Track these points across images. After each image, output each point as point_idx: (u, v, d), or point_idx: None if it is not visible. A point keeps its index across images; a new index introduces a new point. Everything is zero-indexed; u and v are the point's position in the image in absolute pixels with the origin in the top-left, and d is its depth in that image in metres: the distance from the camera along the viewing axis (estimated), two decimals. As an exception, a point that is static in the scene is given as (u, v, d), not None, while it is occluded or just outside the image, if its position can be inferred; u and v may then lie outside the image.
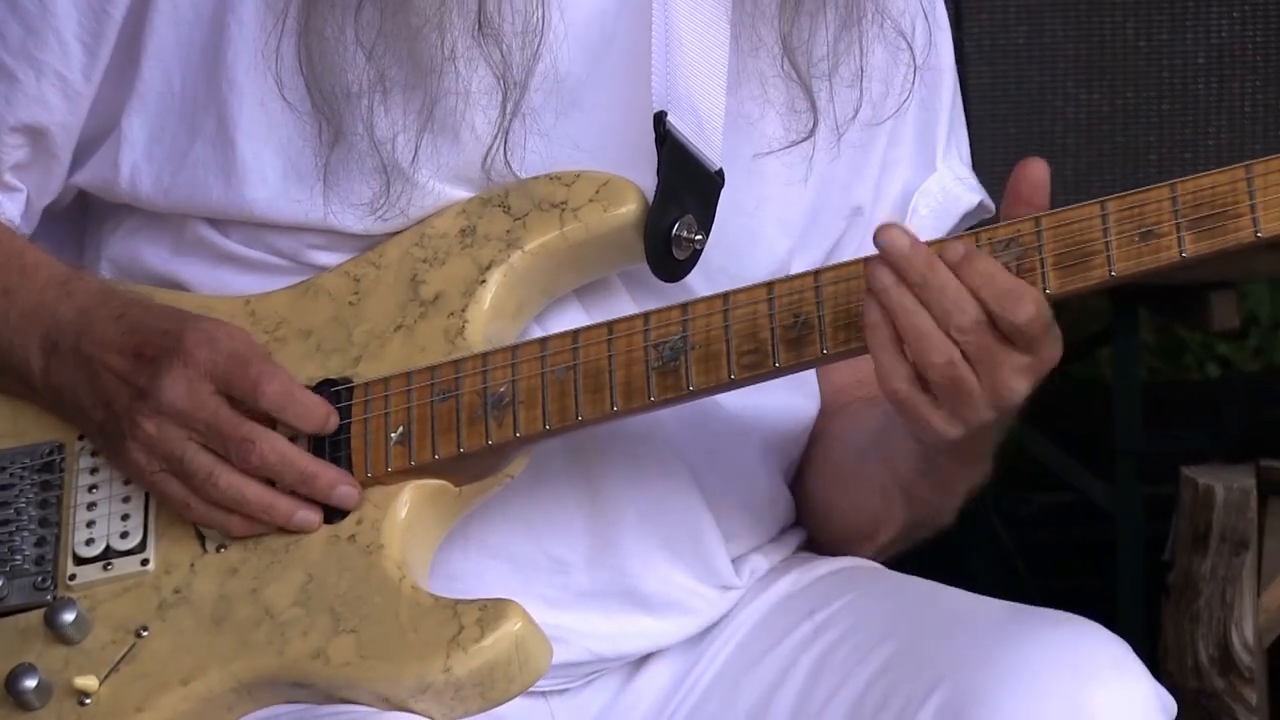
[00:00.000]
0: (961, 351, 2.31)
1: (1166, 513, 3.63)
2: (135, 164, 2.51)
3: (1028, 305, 2.28)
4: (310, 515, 2.40)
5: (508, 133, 2.45)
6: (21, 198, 2.57)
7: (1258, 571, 3.52)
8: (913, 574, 2.58)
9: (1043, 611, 2.43)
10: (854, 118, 2.53)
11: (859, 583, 2.54)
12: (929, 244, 2.36)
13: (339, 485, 2.39)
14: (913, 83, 2.58)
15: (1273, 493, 3.54)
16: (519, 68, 2.44)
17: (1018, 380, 2.30)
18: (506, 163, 2.45)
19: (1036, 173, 2.31)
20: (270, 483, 2.45)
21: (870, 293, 2.31)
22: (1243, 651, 3.47)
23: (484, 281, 2.44)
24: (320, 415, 2.42)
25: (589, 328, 2.41)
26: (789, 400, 2.55)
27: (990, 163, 2.61)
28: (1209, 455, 3.61)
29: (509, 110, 2.44)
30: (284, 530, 2.43)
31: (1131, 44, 4.06)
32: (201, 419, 2.40)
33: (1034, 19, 4.01)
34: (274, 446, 2.40)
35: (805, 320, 2.35)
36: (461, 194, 2.48)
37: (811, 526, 2.62)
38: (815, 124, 2.50)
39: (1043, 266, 2.31)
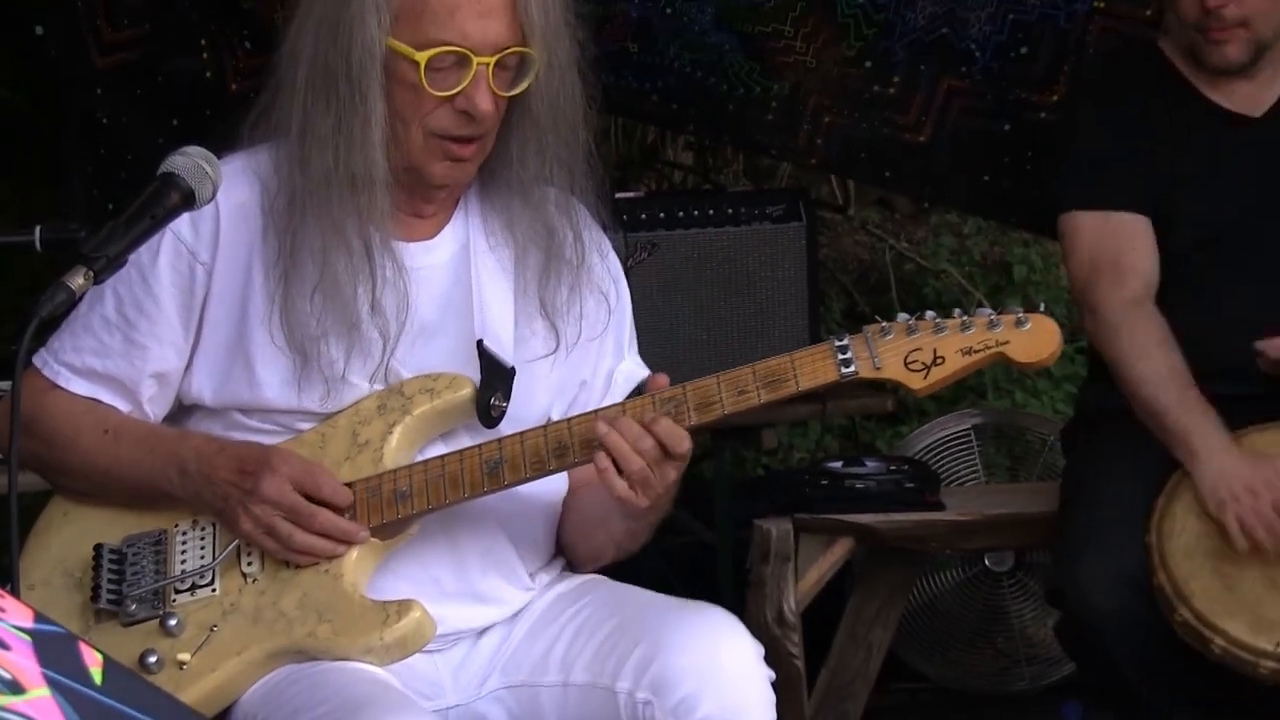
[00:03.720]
0: (646, 463, 2.36)
1: (746, 543, 3.68)
2: (200, 383, 2.48)
3: (685, 442, 2.37)
4: (340, 548, 2.40)
5: (393, 353, 2.46)
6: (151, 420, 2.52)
7: (795, 573, 3.56)
8: (619, 581, 2.59)
9: (696, 602, 2.46)
10: (579, 339, 2.55)
11: (596, 588, 2.54)
12: (628, 403, 2.42)
13: (360, 533, 2.41)
14: (608, 318, 2.59)
15: (802, 530, 3.60)
16: (395, 324, 2.46)
17: (674, 475, 2.39)
18: (395, 373, 2.47)
19: (661, 382, 2.42)
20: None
21: (599, 445, 2.36)
22: (790, 614, 3.51)
23: (391, 434, 2.46)
24: (348, 500, 2.41)
25: (449, 454, 2.45)
26: (552, 486, 2.55)
27: (650, 362, 2.71)
28: (766, 512, 3.66)
29: (389, 345, 2.46)
30: (301, 565, 2.42)
31: (719, 304, 4.10)
32: (286, 505, 2.39)
33: (668, 293, 4.05)
34: (328, 517, 2.40)
35: (565, 445, 2.41)
36: (373, 386, 2.47)
37: (565, 555, 2.62)
38: (558, 344, 2.53)
39: (689, 410, 2.38)
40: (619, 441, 2.35)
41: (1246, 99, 3.35)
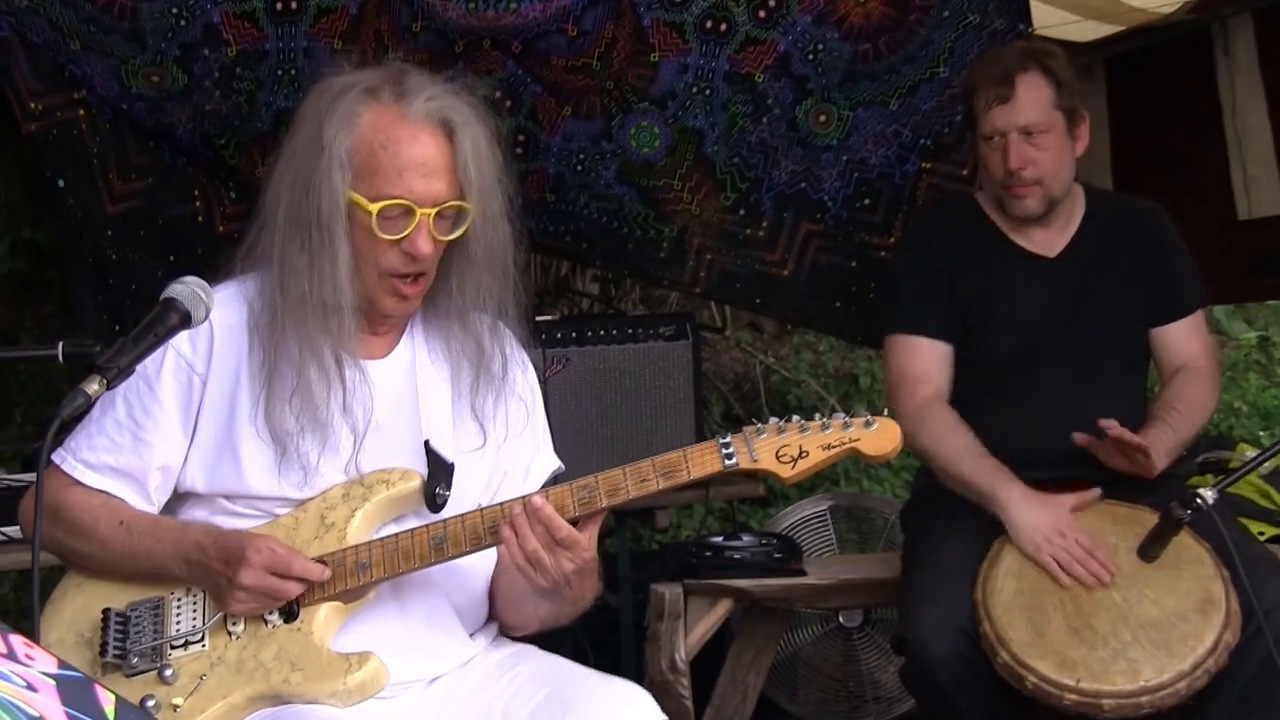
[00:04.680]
0: (540, 545, 2.34)
1: (644, 604, 3.68)
2: (194, 474, 2.45)
3: (563, 529, 2.33)
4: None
5: (358, 451, 2.45)
6: (154, 509, 2.48)
7: (685, 628, 3.56)
8: (542, 643, 2.56)
9: (614, 678, 2.40)
10: (505, 437, 2.54)
11: (529, 659, 2.50)
12: (550, 490, 2.37)
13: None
14: (526, 420, 2.58)
15: (691, 593, 3.59)
16: (363, 424, 2.45)
17: (568, 564, 2.34)
18: (357, 464, 2.45)
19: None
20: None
21: (507, 524, 2.35)
22: (680, 663, 3.50)
23: (354, 516, 2.44)
24: (318, 574, 2.39)
25: (400, 533, 2.43)
26: (484, 561, 2.53)
27: (565, 455, 2.69)
28: (660, 579, 3.64)
29: (357, 441, 2.45)
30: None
31: (621, 408, 4.06)
32: (260, 589, 2.37)
33: (579, 398, 4.01)
34: (294, 589, 2.38)
35: (495, 525, 2.39)
36: (342, 476, 2.45)
37: (497, 621, 2.59)
38: (485, 440, 2.52)
39: (600, 494, 2.37)
40: (523, 525, 2.35)
41: (1043, 243, 3.48)
